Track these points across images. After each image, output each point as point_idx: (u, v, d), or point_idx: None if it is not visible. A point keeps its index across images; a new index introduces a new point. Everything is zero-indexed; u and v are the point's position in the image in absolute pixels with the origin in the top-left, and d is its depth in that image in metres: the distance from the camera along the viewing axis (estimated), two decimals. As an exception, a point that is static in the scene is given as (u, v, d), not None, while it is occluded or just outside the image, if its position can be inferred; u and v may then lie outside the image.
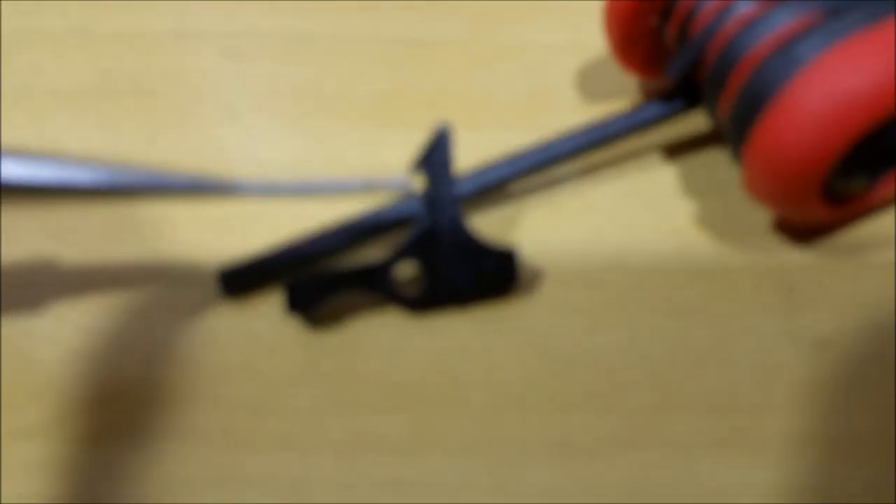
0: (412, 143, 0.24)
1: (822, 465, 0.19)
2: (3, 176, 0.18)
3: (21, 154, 0.19)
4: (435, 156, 0.21)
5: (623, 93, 0.26)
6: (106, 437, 0.20)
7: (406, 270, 0.22)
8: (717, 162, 0.24)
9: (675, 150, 0.24)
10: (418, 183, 0.21)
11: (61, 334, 0.22)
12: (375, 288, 0.21)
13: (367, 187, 0.20)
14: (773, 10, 0.20)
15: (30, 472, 0.20)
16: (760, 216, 0.23)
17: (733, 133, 0.21)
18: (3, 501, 0.19)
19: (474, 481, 0.19)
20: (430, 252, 0.21)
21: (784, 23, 0.20)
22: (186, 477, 0.20)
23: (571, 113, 0.26)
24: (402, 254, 0.21)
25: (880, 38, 0.19)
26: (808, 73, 0.19)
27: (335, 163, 0.25)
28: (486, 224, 0.23)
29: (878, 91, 0.18)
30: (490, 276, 0.22)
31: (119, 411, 0.20)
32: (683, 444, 0.20)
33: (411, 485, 0.19)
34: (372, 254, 0.22)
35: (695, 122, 0.24)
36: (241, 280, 0.22)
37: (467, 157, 0.24)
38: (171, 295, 0.22)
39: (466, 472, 0.19)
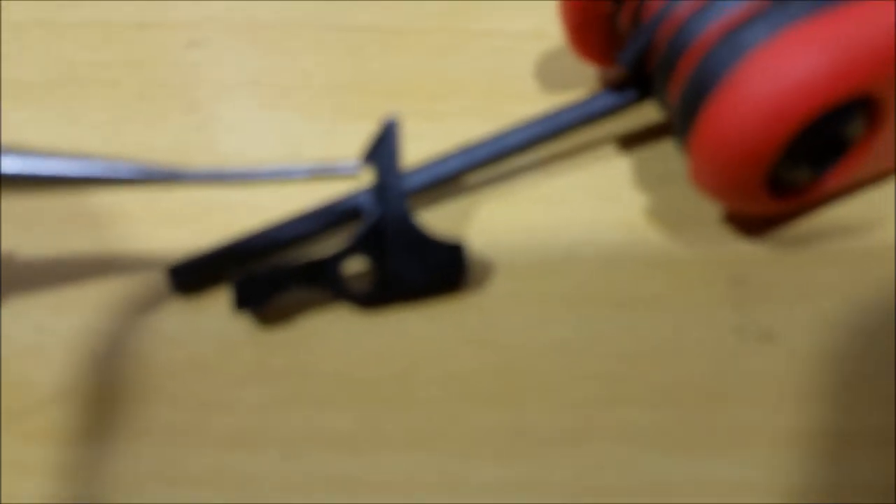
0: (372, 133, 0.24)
1: (771, 459, 0.19)
2: None
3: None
4: (383, 148, 0.21)
5: (585, 82, 0.26)
6: (53, 435, 0.20)
7: (355, 265, 0.22)
8: (671, 153, 0.24)
9: (630, 141, 0.24)
10: (367, 174, 0.21)
11: (12, 332, 0.22)
12: (324, 284, 0.21)
13: (317, 173, 0.20)
14: (722, -4, 0.20)
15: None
16: (712, 208, 0.23)
17: (680, 123, 0.21)
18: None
19: (423, 477, 0.19)
20: (378, 247, 0.21)
21: (732, 9, 0.20)
22: (135, 474, 0.20)
23: (533, 102, 0.26)
24: (350, 249, 0.21)
25: (823, 27, 0.19)
26: (750, 62, 0.19)
27: (296, 153, 0.25)
28: (439, 217, 0.23)
29: (820, 80, 0.18)
30: (439, 269, 0.21)
31: (67, 409, 0.20)
32: (634, 437, 0.20)
33: (359, 482, 0.19)
34: (321, 249, 0.22)
35: (650, 112, 0.24)
36: (191, 276, 0.22)
37: (427, 147, 0.24)
38: (122, 291, 0.22)
39: (415, 468, 0.19)
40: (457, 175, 0.23)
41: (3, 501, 0.19)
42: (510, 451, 0.20)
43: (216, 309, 0.22)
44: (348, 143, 0.25)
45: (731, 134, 0.19)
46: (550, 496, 0.19)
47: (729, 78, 0.19)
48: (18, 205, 0.24)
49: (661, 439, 0.20)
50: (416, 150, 0.24)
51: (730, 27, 0.20)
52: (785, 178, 0.21)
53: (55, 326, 0.22)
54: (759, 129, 0.19)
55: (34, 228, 0.24)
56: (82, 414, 0.20)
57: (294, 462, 0.20)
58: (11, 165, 0.19)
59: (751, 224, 0.22)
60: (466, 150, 0.23)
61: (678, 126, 0.21)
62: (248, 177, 0.20)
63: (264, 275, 0.21)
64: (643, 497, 0.19)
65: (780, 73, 0.18)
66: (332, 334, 0.21)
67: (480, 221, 0.23)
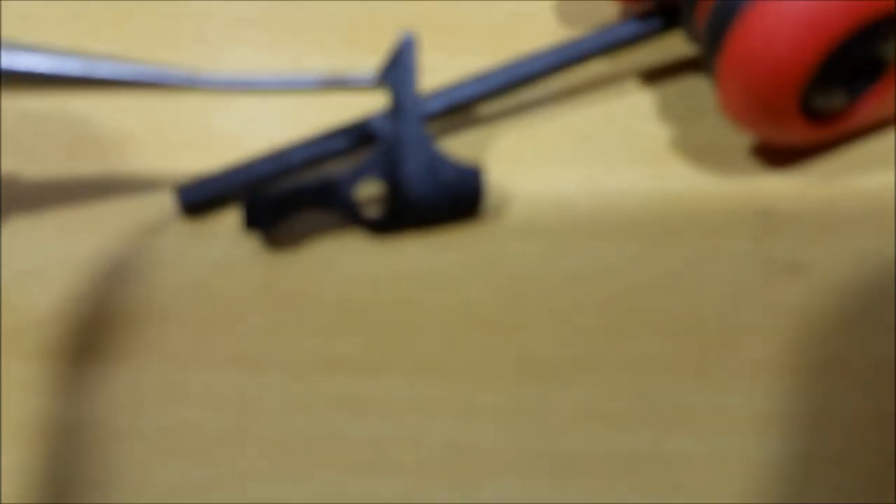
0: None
1: (793, 391, 0.18)
2: None
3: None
4: (399, 67, 0.20)
5: (606, 18, 0.25)
6: (52, 354, 0.19)
7: (368, 189, 0.21)
8: (695, 89, 0.23)
9: (653, 76, 0.24)
10: (382, 94, 0.21)
11: (15, 254, 0.21)
12: (335, 207, 0.21)
13: (331, 83, 0.19)
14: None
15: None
16: (738, 142, 0.22)
17: (708, 49, 0.20)
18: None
19: (430, 398, 0.19)
20: (393, 170, 0.20)
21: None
22: (136, 395, 0.19)
23: (551, 39, 0.25)
24: (363, 171, 0.20)
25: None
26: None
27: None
28: (455, 147, 0.23)
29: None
30: (455, 195, 0.21)
31: (67, 330, 0.20)
32: (646, 365, 0.19)
33: (365, 402, 0.19)
34: (334, 171, 0.21)
35: (674, 46, 0.23)
36: (199, 197, 0.21)
37: (441, 80, 0.23)
38: (127, 213, 0.22)
39: (422, 390, 0.19)
40: (475, 100, 0.22)
41: (2, 419, 0.19)
42: (518, 377, 0.19)
43: (223, 231, 0.21)
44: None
45: (761, 54, 0.18)
46: (557, 421, 0.18)
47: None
48: (24, 129, 0.23)
49: (676, 368, 0.19)
50: (429, 83, 0.23)
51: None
52: (818, 104, 0.20)
53: (57, 248, 0.21)
54: (790, 47, 0.18)
55: (39, 153, 0.23)
56: (83, 335, 0.20)
57: (299, 384, 0.19)
58: (27, 62, 0.18)
59: (779, 157, 0.22)
60: (485, 76, 0.22)
61: (706, 52, 0.20)
62: (261, 85, 0.19)
63: (274, 196, 0.20)
64: (654, 424, 0.18)
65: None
66: (341, 260, 0.21)
67: (498, 151, 0.22)
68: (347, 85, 0.19)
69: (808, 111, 0.20)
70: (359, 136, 0.21)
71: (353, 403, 0.19)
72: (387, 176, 0.21)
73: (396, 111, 0.20)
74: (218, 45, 0.26)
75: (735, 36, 0.19)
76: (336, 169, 0.21)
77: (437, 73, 0.24)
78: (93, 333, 0.20)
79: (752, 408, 0.18)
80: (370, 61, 0.25)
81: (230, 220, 0.21)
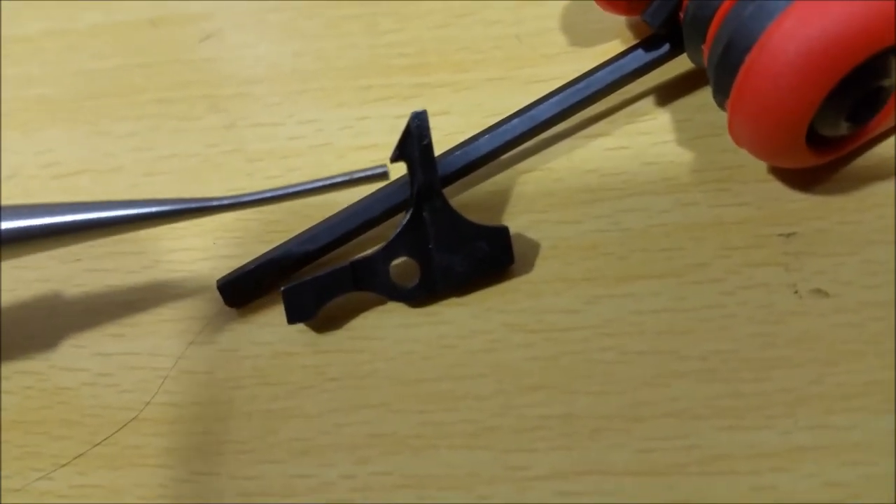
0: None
1: (826, 420, 0.19)
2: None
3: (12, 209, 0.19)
4: (414, 144, 0.20)
5: (611, 34, 0.25)
6: (133, 460, 0.21)
7: (401, 262, 0.22)
8: (706, 103, 0.23)
9: (667, 94, 0.23)
10: (400, 170, 0.21)
11: (78, 362, 0.22)
12: (370, 286, 0.21)
13: (347, 181, 0.20)
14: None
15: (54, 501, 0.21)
16: (756, 161, 0.22)
17: (717, 82, 0.20)
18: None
19: (486, 471, 0.20)
20: (420, 243, 0.21)
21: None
22: (217, 490, 0.20)
23: (560, 61, 0.25)
24: (391, 248, 0.21)
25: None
26: (784, 20, 0.18)
27: (328, 143, 0.25)
28: (476, 197, 0.23)
29: (854, 33, 0.17)
30: (485, 257, 0.21)
31: (145, 432, 0.21)
32: (686, 412, 0.19)
33: (426, 479, 0.20)
34: (364, 251, 0.22)
35: (685, 62, 0.23)
36: (241, 290, 0.22)
37: (455, 122, 0.24)
38: (175, 310, 0.23)
39: (477, 463, 0.20)
40: (491, 157, 0.22)
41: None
42: (566, 439, 0.20)
43: (270, 319, 0.22)
44: (378, 127, 0.25)
45: (768, 96, 0.18)
46: (609, 480, 0.19)
47: (764, 37, 0.18)
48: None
49: (715, 412, 0.19)
50: (444, 126, 0.24)
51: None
52: (824, 132, 0.20)
53: (118, 351, 0.22)
54: (795, 88, 0.18)
55: (82, 260, 0.24)
56: (155, 438, 0.21)
57: (362, 467, 0.20)
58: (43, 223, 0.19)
59: (796, 176, 0.21)
60: (498, 130, 0.22)
61: (715, 88, 0.20)
62: (283, 196, 0.20)
63: (310, 283, 0.21)
64: (701, 472, 0.19)
65: (814, 31, 0.17)
66: (387, 334, 0.22)
67: (519, 198, 0.23)
68: (359, 181, 0.19)
69: (814, 139, 0.20)
70: (384, 209, 0.22)
71: (415, 481, 0.20)
72: (415, 249, 0.21)
73: (415, 185, 0.21)
74: (233, 108, 0.26)
75: (742, 80, 0.18)
76: (365, 247, 0.22)
77: (450, 114, 0.24)
78: (164, 434, 0.21)
79: (790, 443, 0.19)
80: (384, 109, 0.25)
81: (276, 304, 0.22)
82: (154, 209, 0.19)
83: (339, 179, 0.19)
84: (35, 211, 0.19)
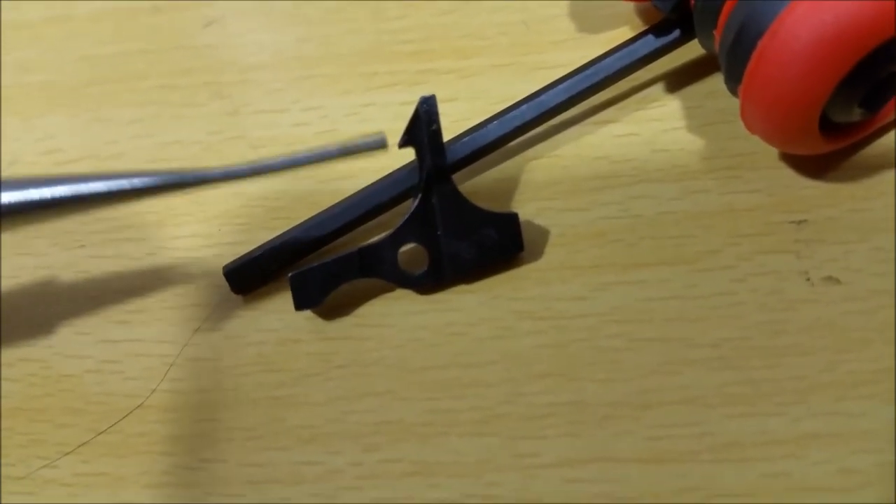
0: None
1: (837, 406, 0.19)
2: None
3: (13, 181, 0.19)
4: (422, 129, 0.20)
5: (620, 19, 0.24)
6: (139, 448, 0.21)
7: (409, 249, 0.21)
8: (716, 89, 0.23)
9: (677, 81, 0.23)
10: (408, 156, 0.21)
11: (83, 350, 0.22)
12: (378, 273, 0.21)
13: (344, 151, 0.19)
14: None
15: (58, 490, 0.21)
16: (765, 149, 0.22)
17: (728, 69, 0.20)
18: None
19: (495, 458, 0.20)
20: (428, 230, 0.21)
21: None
22: (223, 479, 0.20)
23: (567, 48, 0.24)
24: (399, 235, 0.21)
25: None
26: (795, 8, 0.18)
27: (332, 131, 0.24)
28: (485, 184, 0.23)
29: (866, 20, 0.17)
30: (494, 244, 0.21)
31: (151, 419, 0.21)
32: (697, 399, 0.19)
33: (434, 467, 0.20)
34: (371, 237, 0.22)
35: (694, 48, 0.23)
36: (247, 277, 0.22)
37: (462, 109, 0.23)
38: (181, 296, 0.22)
39: (486, 450, 0.20)
40: (500, 143, 0.22)
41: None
42: (575, 426, 0.20)
43: (277, 306, 0.22)
44: (383, 114, 0.24)
45: (780, 83, 0.18)
46: (618, 467, 0.19)
47: (777, 23, 0.18)
48: (62, 225, 0.24)
49: (726, 399, 0.19)
50: (450, 112, 0.23)
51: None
52: (837, 119, 0.19)
53: (123, 338, 0.22)
54: (807, 75, 0.18)
55: (79, 237, 0.24)
56: (162, 423, 0.21)
57: (369, 455, 0.20)
58: (42, 193, 0.19)
59: (807, 163, 0.21)
60: (507, 117, 0.22)
61: (727, 75, 0.20)
62: (282, 166, 0.19)
63: (317, 269, 0.21)
64: (712, 459, 0.19)
65: (827, 16, 0.17)
66: (394, 321, 0.21)
67: (527, 185, 0.23)
68: (357, 151, 0.19)
69: (827, 125, 0.20)
70: (392, 195, 0.22)
71: (423, 468, 0.20)
72: (423, 236, 0.21)
73: (423, 171, 0.21)
74: (236, 95, 0.26)
75: (754, 66, 0.18)
76: (373, 234, 0.22)
77: (456, 101, 0.24)
78: (172, 423, 0.21)
79: (801, 429, 0.19)
80: (389, 96, 0.25)
81: (283, 291, 0.22)
82: (148, 181, 0.19)
83: (334, 151, 0.19)
84: (30, 183, 0.19)
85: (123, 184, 0.19)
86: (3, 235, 0.24)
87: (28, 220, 0.19)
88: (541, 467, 0.19)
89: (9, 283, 0.23)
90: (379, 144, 0.18)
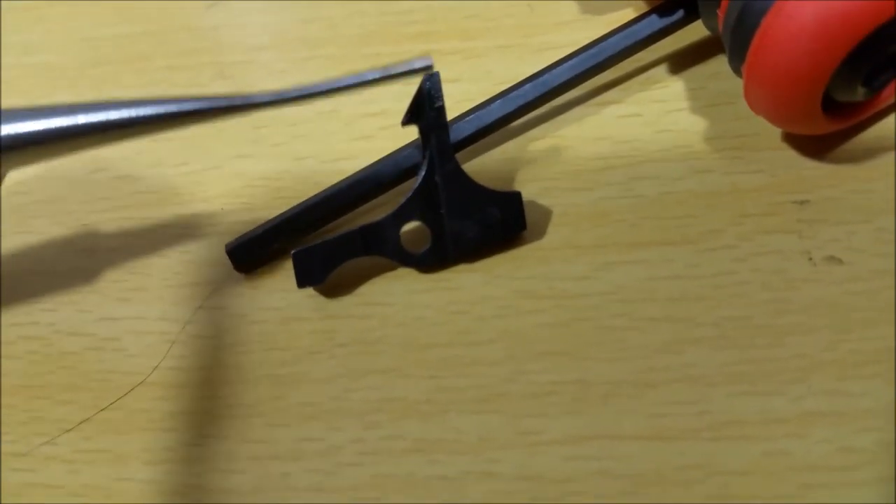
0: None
1: (840, 386, 0.19)
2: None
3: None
4: (426, 106, 0.20)
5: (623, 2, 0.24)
6: (139, 424, 0.21)
7: (412, 228, 0.21)
8: (720, 70, 0.23)
9: (680, 62, 0.23)
10: (411, 134, 0.21)
11: (83, 326, 0.22)
12: (381, 250, 0.21)
13: (387, 75, 0.18)
14: None
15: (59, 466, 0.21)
16: (770, 128, 0.22)
17: (732, 48, 0.20)
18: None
19: (496, 435, 0.20)
20: (431, 208, 0.21)
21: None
22: (226, 455, 0.20)
23: (571, 29, 0.24)
24: (402, 213, 0.21)
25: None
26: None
27: (335, 110, 0.24)
28: (487, 164, 0.23)
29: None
30: (497, 222, 0.21)
31: (151, 396, 0.21)
32: (700, 378, 0.19)
33: (435, 445, 0.20)
34: (375, 215, 0.21)
35: (700, 29, 0.23)
36: (249, 254, 0.22)
37: (466, 89, 0.23)
38: (183, 274, 0.22)
39: (487, 428, 0.20)
40: (503, 123, 0.22)
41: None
42: (577, 404, 0.20)
43: (279, 283, 0.22)
44: (386, 94, 0.24)
45: (783, 60, 0.18)
46: (621, 445, 0.19)
47: (780, 1, 0.18)
48: (67, 192, 0.24)
49: (728, 378, 0.19)
50: (454, 93, 0.23)
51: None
52: (840, 99, 0.19)
53: (124, 316, 0.22)
54: (811, 53, 0.18)
55: (81, 215, 0.24)
56: (164, 401, 0.21)
57: (370, 432, 0.20)
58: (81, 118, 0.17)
59: (810, 143, 0.21)
60: (511, 95, 0.22)
61: (730, 54, 0.20)
62: (321, 91, 0.18)
63: (320, 247, 0.21)
64: (714, 437, 0.19)
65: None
66: (396, 300, 0.21)
67: (530, 165, 0.23)
68: (402, 74, 0.18)
69: (830, 105, 0.20)
70: (395, 172, 0.22)
71: (424, 445, 0.20)
72: (426, 214, 0.21)
73: (426, 149, 0.21)
74: (240, 76, 0.26)
75: (758, 44, 0.18)
76: (376, 211, 0.22)
77: (460, 81, 0.24)
78: (174, 400, 0.21)
79: (803, 408, 0.19)
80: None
81: (285, 269, 0.22)
82: (198, 104, 0.18)
83: (376, 75, 0.18)
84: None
85: (172, 108, 0.18)
86: (3, 214, 0.24)
87: (40, 154, 0.18)
88: (542, 444, 0.19)
89: (9, 261, 0.23)
90: (425, 66, 0.18)
